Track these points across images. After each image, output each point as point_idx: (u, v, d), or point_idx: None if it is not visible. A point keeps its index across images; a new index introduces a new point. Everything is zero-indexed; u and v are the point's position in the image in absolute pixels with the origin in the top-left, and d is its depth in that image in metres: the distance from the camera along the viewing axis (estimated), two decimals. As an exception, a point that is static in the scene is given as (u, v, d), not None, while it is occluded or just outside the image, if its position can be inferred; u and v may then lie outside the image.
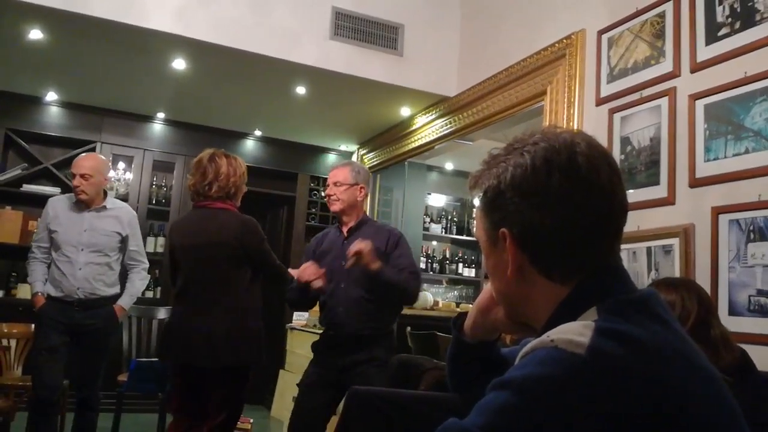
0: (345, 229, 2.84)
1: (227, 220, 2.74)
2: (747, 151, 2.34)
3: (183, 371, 2.72)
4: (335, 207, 2.82)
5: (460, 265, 6.68)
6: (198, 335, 2.63)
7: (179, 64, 4.23)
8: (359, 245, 2.54)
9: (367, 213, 4.14)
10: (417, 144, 5.00)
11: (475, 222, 0.92)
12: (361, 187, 2.83)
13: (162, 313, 4.44)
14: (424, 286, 6.10)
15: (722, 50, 2.49)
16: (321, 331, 3.01)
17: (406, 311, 4.95)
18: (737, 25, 2.45)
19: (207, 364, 2.65)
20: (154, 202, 5.63)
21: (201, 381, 2.69)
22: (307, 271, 2.67)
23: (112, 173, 5.50)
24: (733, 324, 2.23)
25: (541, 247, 0.82)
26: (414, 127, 4.99)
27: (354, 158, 6.14)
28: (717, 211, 2.42)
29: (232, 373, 2.69)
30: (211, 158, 2.77)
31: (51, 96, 5.23)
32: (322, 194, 5.29)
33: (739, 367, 1.74)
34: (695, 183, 2.53)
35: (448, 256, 6.69)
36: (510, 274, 0.84)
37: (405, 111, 4.91)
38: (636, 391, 0.67)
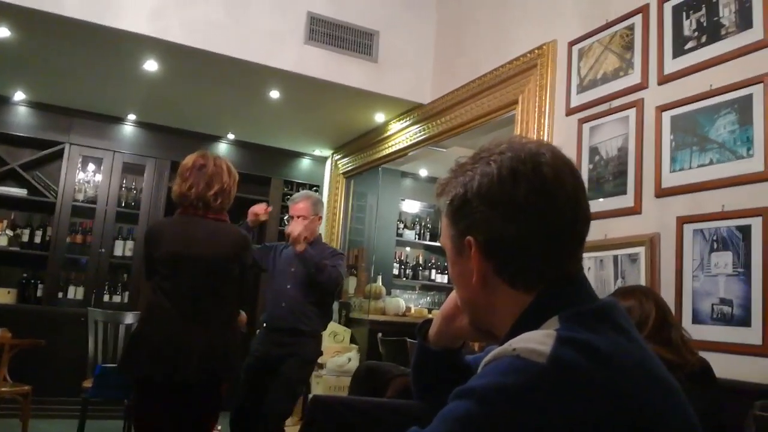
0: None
1: (228, 234, 2.62)
2: (711, 162, 2.40)
3: (165, 388, 2.44)
4: (301, 248, 3.36)
5: (433, 271, 6.69)
6: (195, 350, 2.43)
7: (151, 65, 4.18)
8: (292, 229, 3.35)
9: (341, 218, 5.12)
10: (391, 150, 5.02)
11: (441, 229, 0.92)
12: (319, 217, 3.57)
13: (129, 318, 4.36)
14: (397, 291, 6.11)
15: (689, 63, 2.54)
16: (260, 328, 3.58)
17: (378, 317, 4.98)
18: (704, 39, 2.51)
19: (200, 380, 2.45)
20: (123, 205, 5.54)
21: (183, 397, 2.46)
22: (257, 207, 3.34)
23: (80, 175, 5.42)
24: (696, 332, 2.28)
25: (505, 256, 0.82)
26: (388, 134, 5.00)
27: (328, 163, 6.15)
28: (682, 221, 2.46)
29: (216, 388, 2.57)
30: (215, 165, 2.60)
31: (19, 95, 5.13)
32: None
33: (702, 369, 1.79)
34: (661, 193, 2.58)
35: (421, 262, 6.70)
36: (475, 282, 0.84)
37: (379, 117, 4.92)
38: (596, 401, 0.68)
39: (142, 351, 2.46)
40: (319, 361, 3.74)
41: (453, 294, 0.98)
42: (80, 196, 5.40)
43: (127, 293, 5.47)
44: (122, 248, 5.50)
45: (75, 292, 5.29)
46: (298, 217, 3.42)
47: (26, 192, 5.25)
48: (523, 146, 0.84)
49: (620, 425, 0.68)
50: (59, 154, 5.32)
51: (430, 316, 4.94)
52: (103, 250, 5.36)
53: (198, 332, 2.46)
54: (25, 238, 5.26)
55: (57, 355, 4.79)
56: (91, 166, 5.51)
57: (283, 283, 3.44)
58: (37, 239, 5.30)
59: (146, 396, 2.49)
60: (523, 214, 0.80)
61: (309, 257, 3.33)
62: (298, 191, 6.14)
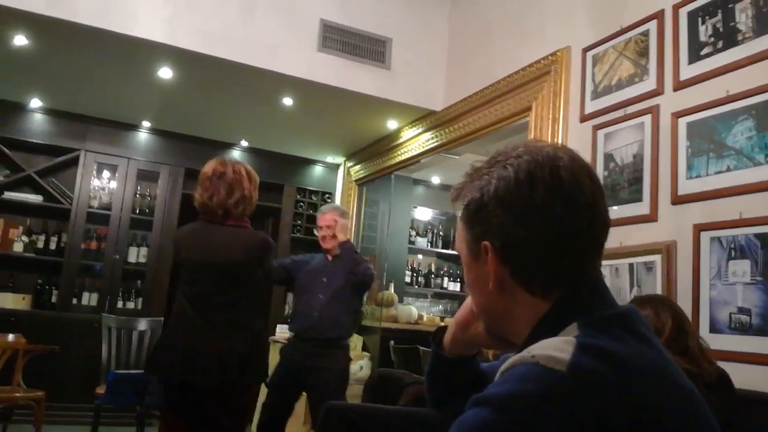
0: (330, 256, 3.62)
1: (250, 240, 2.62)
2: (728, 169, 2.37)
3: (187, 392, 2.48)
4: (330, 245, 3.58)
5: (446, 279, 6.66)
6: (215, 355, 2.45)
7: (165, 73, 4.21)
8: (333, 222, 3.55)
9: (353, 225, 5.24)
10: (403, 157, 5.01)
11: (456, 234, 0.91)
12: (346, 221, 3.70)
13: (143, 325, 4.38)
14: (409, 299, 6.09)
15: (705, 69, 2.52)
16: (290, 337, 3.65)
17: (390, 325, 4.96)
18: (720, 45, 2.48)
19: (222, 385, 2.47)
20: (137, 211, 5.57)
21: (209, 402, 2.49)
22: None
23: (95, 182, 5.46)
24: (713, 341, 2.24)
25: (523, 261, 0.81)
26: (401, 141, 5.00)
27: (340, 170, 6.16)
28: (699, 229, 2.43)
29: (239, 392, 2.57)
30: (235, 172, 2.60)
31: (35, 103, 5.19)
32: (307, 208, 5.38)
33: (720, 379, 1.77)
34: (677, 200, 2.55)
35: (433, 270, 6.68)
36: (491, 287, 0.83)
37: (392, 124, 4.92)
38: (617, 409, 0.66)
39: (166, 354, 2.51)
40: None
41: (468, 300, 0.97)
42: (95, 203, 5.44)
43: (140, 300, 5.49)
44: (136, 255, 5.53)
45: (89, 299, 5.32)
46: (327, 227, 3.59)
47: (42, 198, 5.30)
48: (540, 150, 0.83)
49: None
50: (74, 161, 5.37)
51: (442, 324, 4.92)
52: (117, 256, 5.39)
53: (219, 338, 2.48)
54: (41, 245, 5.31)
55: (70, 361, 4.82)
56: (105, 173, 5.56)
57: (315, 293, 3.53)
58: (53, 245, 5.34)
59: (171, 400, 2.55)
60: (540, 218, 0.79)
61: (351, 247, 3.59)
62: (311, 198, 6.18)
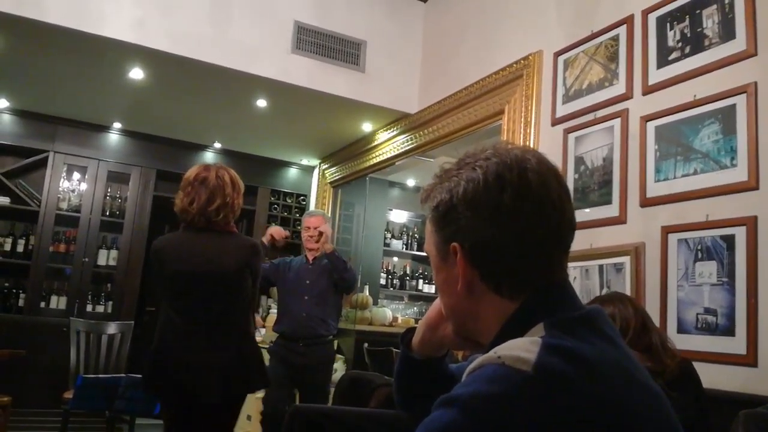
0: (311, 258, 3.86)
1: (238, 246, 2.53)
2: (695, 172, 2.41)
3: (183, 406, 2.43)
4: (316, 246, 3.80)
5: (421, 281, 6.67)
6: (214, 370, 2.38)
7: (137, 73, 4.16)
8: (324, 229, 3.79)
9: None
10: (378, 159, 5.02)
11: (425, 236, 0.91)
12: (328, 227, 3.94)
13: (113, 329, 4.31)
14: (384, 301, 6.09)
15: (673, 74, 2.56)
16: (277, 337, 3.81)
17: (364, 327, 4.95)
18: (687, 50, 2.53)
19: (224, 399, 2.42)
20: (107, 213, 5.48)
21: (204, 414, 2.43)
22: (276, 230, 3.61)
23: (65, 184, 5.36)
24: (681, 341, 2.28)
25: (491, 262, 0.82)
26: (375, 143, 5.00)
27: (315, 172, 6.14)
28: (666, 231, 2.48)
29: (237, 404, 2.54)
30: (218, 177, 2.50)
31: (2, 103, 5.08)
32: (281, 208, 5.38)
33: (681, 372, 1.81)
34: (646, 203, 2.59)
35: (408, 272, 6.68)
36: (460, 288, 0.83)
37: (367, 126, 4.92)
38: (582, 409, 0.67)
39: (163, 372, 2.42)
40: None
41: (437, 302, 0.97)
42: (64, 205, 5.34)
43: (110, 303, 5.40)
44: (106, 257, 5.44)
45: (57, 302, 5.21)
46: (315, 228, 3.81)
47: (9, 200, 5.18)
48: (509, 152, 0.84)
49: None
50: (43, 163, 5.27)
51: (416, 325, 4.92)
52: (86, 259, 5.30)
53: (215, 351, 2.40)
54: (8, 247, 5.19)
55: (38, 365, 4.72)
56: (75, 175, 5.46)
57: (300, 295, 3.76)
58: (20, 248, 5.23)
59: (174, 415, 2.47)
60: (508, 219, 0.80)
61: (339, 255, 3.81)
62: (286, 200, 6.15)
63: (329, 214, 5.71)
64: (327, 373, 3.81)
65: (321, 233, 3.78)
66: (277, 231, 3.65)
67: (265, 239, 3.59)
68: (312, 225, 3.86)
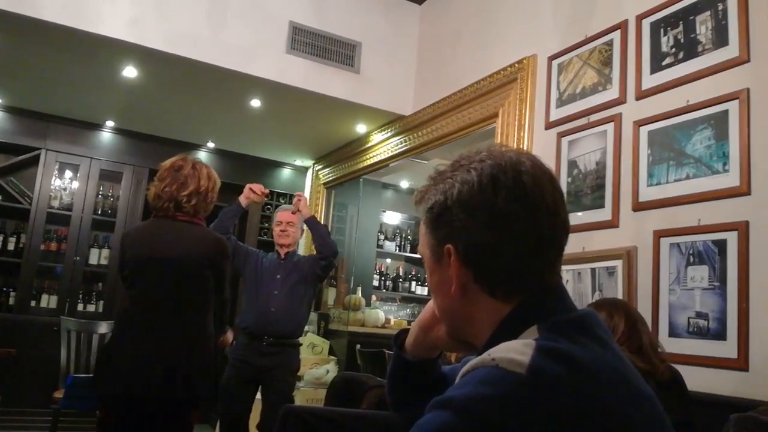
0: (283, 253, 3.70)
1: (201, 236, 2.48)
2: (688, 177, 2.43)
3: (128, 404, 2.32)
4: (287, 241, 3.69)
5: (413, 283, 6.68)
6: (158, 365, 2.28)
7: (130, 72, 4.14)
8: (301, 196, 3.73)
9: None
10: (372, 161, 5.02)
11: (419, 237, 0.91)
12: (302, 229, 3.84)
13: (103, 328, 4.29)
14: (376, 303, 6.09)
15: (666, 79, 2.58)
16: (238, 338, 3.51)
17: (357, 329, 4.95)
18: (681, 55, 2.55)
19: (168, 396, 2.30)
20: (99, 212, 5.46)
21: (150, 415, 2.33)
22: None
23: (56, 182, 5.33)
24: (672, 345, 2.30)
25: (485, 265, 0.82)
26: (369, 144, 5.00)
27: (309, 173, 6.14)
28: (658, 235, 2.49)
29: (187, 406, 2.40)
30: (193, 168, 2.50)
31: (-6, 100, 5.05)
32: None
33: (672, 377, 1.83)
34: (638, 207, 2.60)
35: (401, 274, 6.69)
36: (453, 291, 0.83)
37: (361, 128, 4.92)
38: (575, 411, 0.67)
39: (109, 366, 2.33)
40: (298, 373, 3.79)
41: (430, 303, 0.98)
42: (56, 203, 5.30)
43: (101, 302, 5.37)
44: (98, 256, 5.42)
45: (48, 301, 5.18)
46: (287, 223, 3.70)
47: (0, 198, 5.15)
48: (503, 154, 0.84)
49: None
50: (35, 160, 5.23)
51: (409, 327, 4.92)
52: (78, 258, 5.27)
53: (165, 345, 2.31)
54: (-2, 245, 5.15)
55: (28, 364, 4.68)
56: (67, 173, 5.43)
57: (270, 289, 3.56)
58: (11, 246, 5.20)
59: (110, 412, 2.36)
60: (503, 222, 0.80)
61: (316, 221, 3.77)
62: (279, 201, 6.14)
63: (322, 215, 5.71)
64: (291, 379, 3.54)
65: (289, 223, 3.68)
66: (256, 186, 3.55)
67: (243, 197, 3.53)
68: (284, 219, 3.72)
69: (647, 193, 2.57)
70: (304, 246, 5.34)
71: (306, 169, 6.19)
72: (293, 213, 3.71)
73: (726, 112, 2.33)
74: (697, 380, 2.13)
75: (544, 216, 0.81)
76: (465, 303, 0.84)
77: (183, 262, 2.40)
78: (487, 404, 0.67)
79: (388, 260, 6.75)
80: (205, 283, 2.46)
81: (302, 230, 3.84)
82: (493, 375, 0.69)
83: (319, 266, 3.67)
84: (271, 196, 6.12)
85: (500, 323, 0.81)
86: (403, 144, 4.58)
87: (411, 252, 6.73)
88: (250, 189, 3.54)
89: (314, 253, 3.81)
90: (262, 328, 3.47)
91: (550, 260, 0.83)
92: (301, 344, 3.71)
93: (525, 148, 3.23)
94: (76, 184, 5.39)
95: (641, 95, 2.68)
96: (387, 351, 3.56)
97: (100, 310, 5.32)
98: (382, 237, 6.53)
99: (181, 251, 2.41)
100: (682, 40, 2.55)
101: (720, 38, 2.41)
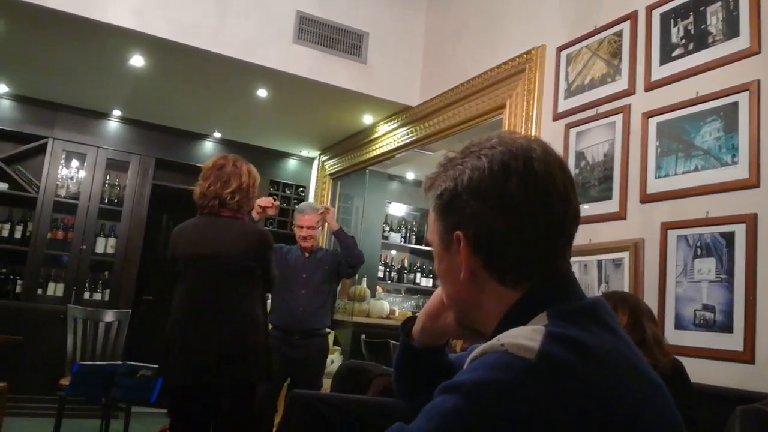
0: (306, 253, 3.84)
1: (245, 231, 2.64)
2: (696, 169, 2.41)
3: (191, 393, 2.52)
4: (309, 244, 3.81)
5: (418, 274, 6.68)
6: (214, 353, 2.47)
7: (137, 61, 4.14)
8: (329, 209, 3.97)
9: None
10: (378, 152, 5.01)
11: (428, 225, 0.91)
12: (320, 228, 3.98)
13: (110, 316, 4.31)
14: (381, 294, 6.09)
15: (676, 70, 2.56)
16: (272, 329, 3.57)
17: (362, 320, 4.96)
18: (690, 47, 2.53)
19: (220, 382, 2.50)
20: (106, 201, 5.47)
21: (209, 403, 2.54)
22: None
23: (63, 170, 5.35)
24: (678, 337, 2.29)
25: (495, 251, 0.81)
26: (376, 135, 4.99)
27: (315, 164, 6.13)
28: (666, 227, 2.48)
29: (245, 388, 2.59)
30: (234, 165, 2.67)
31: (2, 89, 5.05)
32: (277, 199, 5.45)
33: (675, 370, 1.83)
34: (646, 199, 2.59)
35: (406, 265, 6.69)
36: (463, 277, 0.83)
37: (367, 119, 4.91)
38: (584, 397, 0.67)
39: (171, 360, 2.52)
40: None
41: (438, 291, 0.97)
42: (62, 192, 5.32)
43: (108, 291, 5.39)
44: (104, 245, 5.44)
45: (55, 289, 5.21)
46: (309, 227, 3.79)
47: (7, 186, 5.17)
48: (514, 141, 0.83)
49: (607, 421, 0.67)
50: (42, 149, 5.25)
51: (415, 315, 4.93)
52: (84, 246, 5.29)
53: (219, 334, 2.48)
54: (5, 233, 5.17)
55: (34, 352, 4.72)
56: (74, 162, 5.44)
57: (297, 289, 3.74)
58: (18, 234, 5.22)
59: (177, 401, 2.57)
60: (513, 208, 0.79)
61: (344, 233, 3.89)
62: (285, 191, 6.14)
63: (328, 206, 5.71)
64: (321, 365, 3.82)
65: (310, 227, 3.78)
66: (265, 200, 3.42)
67: (254, 212, 3.45)
68: (305, 224, 3.80)
69: (655, 185, 2.55)
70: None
71: (312, 159, 6.19)
72: (317, 224, 3.83)
73: (736, 103, 2.31)
74: (703, 373, 2.13)
75: (555, 203, 0.81)
76: (474, 290, 0.84)
77: (230, 255, 2.56)
78: (495, 389, 0.67)
79: (393, 251, 6.75)
80: (251, 273, 2.61)
81: (322, 226, 4.02)
82: (503, 360, 0.68)
83: (345, 272, 3.90)
84: (277, 187, 6.12)
85: (509, 310, 0.81)
86: (410, 135, 4.56)
87: (416, 243, 6.73)
88: (260, 205, 3.36)
89: (333, 247, 3.99)
90: (292, 327, 3.68)
91: (561, 247, 0.83)
92: (330, 331, 3.97)
93: (532, 139, 3.21)
94: (82, 173, 5.40)
95: (650, 86, 2.66)
96: (392, 341, 3.57)
97: (107, 298, 5.34)
98: (387, 228, 6.53)
99: (229, 246, 2.57)
100: (692, 31, 2.53)
101: (731, 29, 2.38)
